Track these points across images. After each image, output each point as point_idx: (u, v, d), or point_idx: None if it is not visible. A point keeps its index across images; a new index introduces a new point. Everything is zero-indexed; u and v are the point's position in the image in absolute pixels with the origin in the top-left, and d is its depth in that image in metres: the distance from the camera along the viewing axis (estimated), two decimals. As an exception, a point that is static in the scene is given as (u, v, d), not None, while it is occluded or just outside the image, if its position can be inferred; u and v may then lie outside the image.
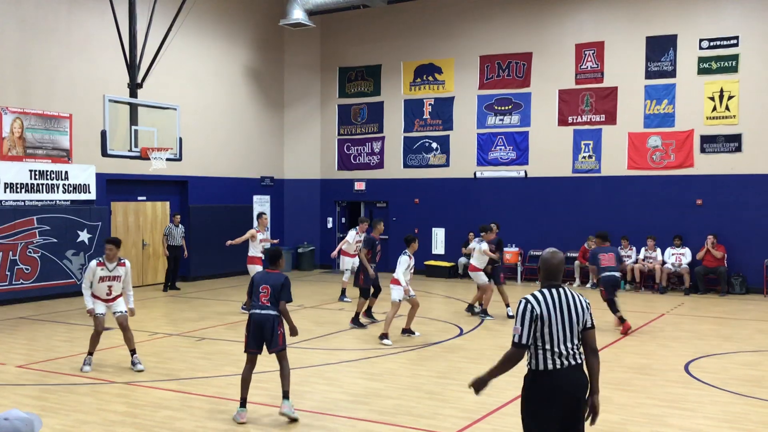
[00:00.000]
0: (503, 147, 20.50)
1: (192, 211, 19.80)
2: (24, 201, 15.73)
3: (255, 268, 13.83)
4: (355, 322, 12.90)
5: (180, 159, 15.48)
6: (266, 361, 8.39)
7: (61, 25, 16.57)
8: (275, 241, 16.32)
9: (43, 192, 16.04)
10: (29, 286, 15.75)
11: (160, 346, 11.25)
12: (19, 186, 15.58)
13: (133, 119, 14.46)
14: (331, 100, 23.17)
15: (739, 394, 8.48)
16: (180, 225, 17.97)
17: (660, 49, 18.53)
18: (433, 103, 21.51)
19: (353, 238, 15.71)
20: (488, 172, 20.67)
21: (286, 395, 7.58)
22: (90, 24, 17.04)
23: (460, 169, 21.07)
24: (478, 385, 4.94)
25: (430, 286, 18.59)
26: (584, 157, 19.48)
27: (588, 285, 18.38)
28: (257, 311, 7.56)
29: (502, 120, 20.53)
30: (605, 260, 12.71)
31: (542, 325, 4.72)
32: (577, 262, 18.73)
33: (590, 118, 19.37)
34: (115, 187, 17.78)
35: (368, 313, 13.36)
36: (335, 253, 16.55)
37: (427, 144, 21.61)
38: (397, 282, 11.74)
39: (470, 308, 14.23)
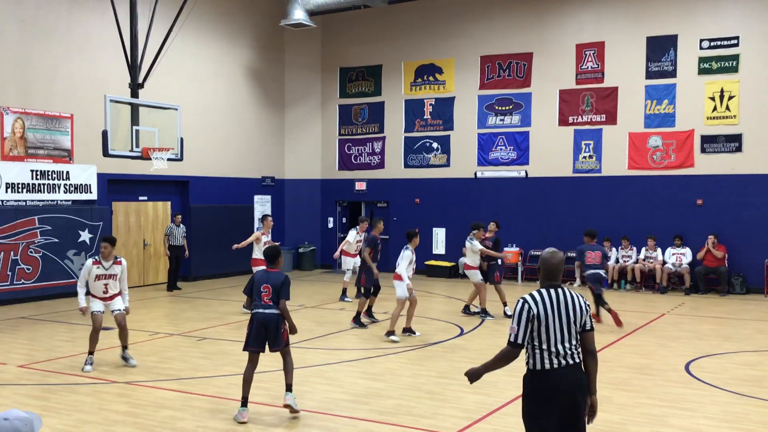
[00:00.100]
0: (504, 147, 20.52)
1: (193, 211, 19.82)
2: (25, 201, 15.75)
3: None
4: (357, 321, 12.91)
5: (181, 159, 15.50)
6: (267, 360, 8.42)
7: (62, 25, 16.59)
8: (276, 244, 16.34)
9: (44, 192, 16.06)
10: (30, 285, 15.77)
11: (161, 346, 11.26)
12: (20, 186, 15.60)
13: (134, 119, 14.48)
14: (332, 100, 23.18)
15: (740, 394, 8.49)
16: (181, 225, 17.99)
17: (660, 49, 18.54)
18: (433, 103, 21.53)
19: (354, 238, 15.74)
20: (489, 172, 20.68)
21: (289, 388, 7.67)
22: (90, 24, 17.05)
23: (461, 169, 21.08)
24: (473, 376, 4.99)
25: (430, 286, 18.60)
26: (585, 157, 19.49)
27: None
28: (260, 311, 7.59)
29: (503, 120, 20.54)
30: (591, 258, 13.10)
31: (539, 325, 4.74)
32: (577, 262, 18.71)
33: (591, 118, 19.37)
34: (116, 187, 17.80)
35: (368, 312, 13.37)
36: (337, 253, 16.58)
37: (427, 144, 21.62)
38: (399, 278, 11.78)
39: (466, 309, 14.23)
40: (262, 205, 22.19)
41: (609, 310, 12.73)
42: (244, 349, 7.72)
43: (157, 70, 15.75)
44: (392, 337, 11.58)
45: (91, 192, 16.99)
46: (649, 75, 18.67)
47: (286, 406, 7.57)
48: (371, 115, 22.52)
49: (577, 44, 19.49)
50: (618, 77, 19.02)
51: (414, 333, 12.03)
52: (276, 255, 7.84)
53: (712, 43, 17.99)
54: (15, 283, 15.49)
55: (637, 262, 18.24)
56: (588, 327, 4.86)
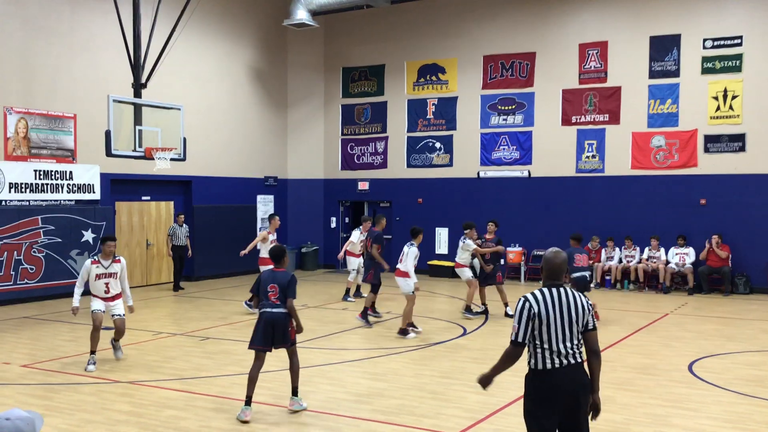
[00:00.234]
0: (507, 147, 20.50)
1: (196, 211, 19.83)
2: (28, 201, 15.78)
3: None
4: (364, 316, 12.97)
5: (184, 159, 15.50)
6: (271, 360, 8.42)
7: (65, 25, 16.61)
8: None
9: (47, 192, 16.08)
10: (34, 285, 15.79)
11: (164, 346, 11.27)
12: (23, 186, 15.63)
13: (137, 119, 14.49)
14: (335, 100, 23.18)
15: (743, 394, 8.48)
16: (184, 225, 17.99)
17: (663, 48, 18.52)
18: (436, 102, 21.52)
19: (357, 237, 15.74)
20: (491, 171, 20.67)
21: (294, 391, 7.71)
22: (93, 24, 17.07)
23: (464, 168, 21.07)
24: (484, 381, 5.06)
25: (433, 286, 18.59)
26: (588, 157, 19.47)
27: (591, 285, 18.34)
28: (268, 310, 7.62)
29: (506, 120, 20.53)
30: (579, 260, 13.13)
31: (540, 324, 4.74)
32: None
33: (594, 118, 19.35)
34: (119, 187, 17.82)
35: (372, 308, 13.45)
36: (341, 254, 16.59)
37: (430, 144, 21.62)
38: (405, 274, 11.85)
39: (468, 310, 14.23)
40: (264, 205, 22.20)
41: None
42: (250, 347, 7.74)
43: (160, 69, 15.76)
44: (410, 335, 11.73)
45: (94, 192, 17.01)
46: (652, 75, 18.65)
47: (293, 411, 7.63)
48: (374, 114, 22.53)
49: (580, 44, 19.47)
50: (621, 77, 19.00)
51: (417, 328, 12.11)
52: (282, 254, 7.88)
53: (716, 43, 17.96)
54: (18, 282, 15.52)
55: (640, 262, 18.21)
56: (590, 327, 4.86)
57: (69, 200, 16.54)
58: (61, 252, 16.28)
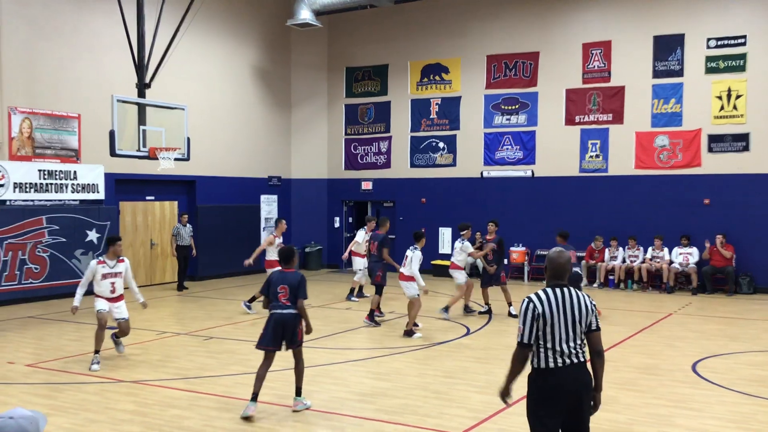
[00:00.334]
0: (510, 146, 20.50)
1: (200, 210, 19.87)
2: (33, 201, 15.81)
3: None
4: (371, 318, 12.99)
5: (188, 159, 15.53)
6: (275, 360, 8.41)
7: (69, 26, 16.64)
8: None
9: (52, 192, 16.12)
10: (38, 285, 15.83)
11: (168, 346, 11.30)
12: (28, 186, 15.66)
13: (141, 119, 14.52)
14: (338, 99, 23.20)
15: (747, 394, 8.47)
16: (188, 224, 18.02)
17: (667, 48, 18.49)
18: (440, 102, 21.52)
19: (362, 237, 15.73)
20: (495, 171, 20.66)
21: (298, 392, 7.74)
22: (97, 24, 17.10)
23: (467, 168, 21.07)
24: (504, 393, 5.01)
25: (437, 286, 18.59)
26: (591, 157, 19.46)
27: (595, 285, 18.36)
28: (278, 311, 7.65)
29: (509, 119, 20.52)
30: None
31: (544, 324, 4.75)
32: (583, 262, 18.69)
33: (597, 118, 19.34)
34: (123, 186, 17.85)
35: (378, 309, 13.50)
36: (346, 255, 16.59)
37: (434, 144, 21.62)
38: (411, 278, 11.90)
39: (466, 308, 14.24)
40: (268, 204, 22.23)
41: None
42: (258, 347, 7.76)
43: (164, 70, 15.79)
44: (417, 334, 11.86)
45: (98, 192, 17.05)
46: (656, 74, 18.63)
47: (296, 411, 7.65)
48: (377, 114, 22.54)
49: (584, 43, 19.46)
50: (625, 76, 18.98)
51: (416, 325, 12.21)
52: (291, 255, 7.93)
53: (719, 42, 17.94)
54: (23, 282, 15.56)
55: (643, 261, 18.20)
56: (594, 327, 4.86)
57: (73, 200, 16.58)
58: (66, 252, 16.32)
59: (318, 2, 20.18)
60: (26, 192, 15.65)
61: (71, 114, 16.54)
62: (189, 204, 19.87)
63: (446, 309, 13.70)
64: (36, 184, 15.81)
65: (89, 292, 10.07)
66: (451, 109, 21.34)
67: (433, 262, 20.75)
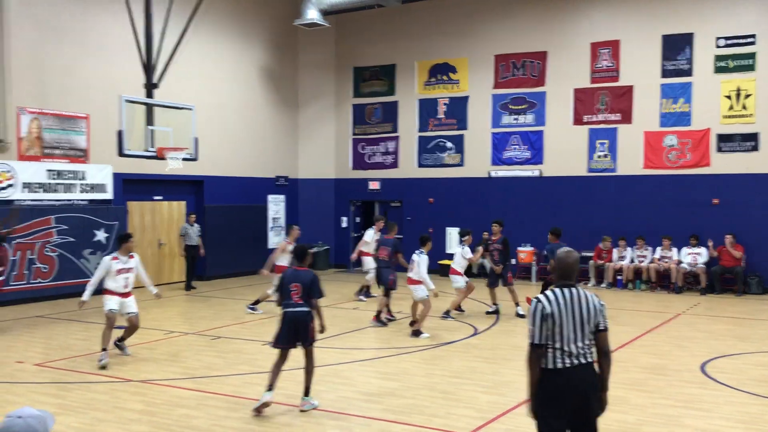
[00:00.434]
0: (518, 146, 20.46)
1: (207, 210, 19.91)
2: (42, 200, 15.88)
3: None
4: (378, 320, 12.98)
5: (196, 159, 15.57)
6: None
7: (77, 26, 16.69)
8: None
9: (60, 192, 16.18)
10: (47, 285, 15.89)
11: (176, 345, 11.32)
12: (36, 185, 15.72)
13: (149, 119, 14.57)
14: (346, 99, 23.20)
15: (756, 395, 8.43)
16: (195, 224, 18.06)
17: (676, 47, 18.43)
18: (447, 102, 21.49)
19: (372, 237, 15.71)
20: (503, 171, 20.63)
21: (306, 391, 7.75)
22: (105, 24, 17.14)
23: (475, 168, 21.04)
24: (530, 408, 4.90)
25: (444, 286, 18.54)
26: (599, 157, 19.40)
27: (603, 285, 18.31)
28: (291, 309, 7.69)
29: (517, 119, 20.48)
30: None
31: (553, 325, 4.74)
32: (591, 262, 18.65)
33: (606, 117, 19.28)
34: (131, 186, 17.90)
35: (388, 312, 13.49)
36: (355, 255, 16.58)
37: (441, 143, 21.60)
38: (419, 282, 11.97)
39: (447, 313, 14.15)
40: (276, 204, 22.26)
41: None
42: (275, 346, 7.80)
43: (172, 70, 15.83)
44: (424, 335, 11.83)
45: (106, 192, 17.10)
46: (665, 73, 18.56)
47: (304, 411, 7.67)
48: (385, 114, 22.53)
49: (592, 43, 19.40)
50: (633, 76, 18.92)
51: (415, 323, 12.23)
52: (304, 253, 8.01)
53: (729, 42, 17.86)
54: (31, 282, 15.62)
55: (652, 261, 18.13)
56: (602, 327, 4.85)
57: (82, 200, 16.63)
58: (74, 251, 16.37)
59: (325, 2, 20.18)
60: (35, 192, 15.70)
61: (80, 114, 16.59)
62: (197, 204, 19.91)
63: (447, 313, 13.72)
64: (45, 184, 15.86)
65: (98, 291, 10.12)
66: (458, 108, 21.31)
67: (440, 262, 20.70)
